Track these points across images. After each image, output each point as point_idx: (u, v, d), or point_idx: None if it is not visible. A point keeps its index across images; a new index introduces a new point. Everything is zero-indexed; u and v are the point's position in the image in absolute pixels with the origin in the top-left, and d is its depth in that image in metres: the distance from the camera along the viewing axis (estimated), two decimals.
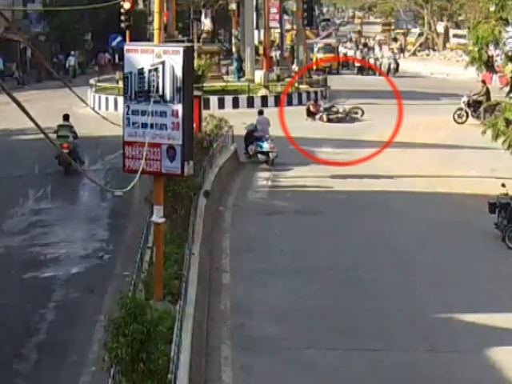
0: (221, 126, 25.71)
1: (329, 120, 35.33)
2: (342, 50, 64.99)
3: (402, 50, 66.74)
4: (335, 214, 21.80)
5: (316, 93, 41.53)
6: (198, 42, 42.36)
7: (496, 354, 13.74)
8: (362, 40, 76.02)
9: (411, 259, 18.33)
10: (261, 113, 28.89)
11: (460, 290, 16.59)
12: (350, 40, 78.02)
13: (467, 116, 34.33)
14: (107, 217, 21.66)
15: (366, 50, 65.18)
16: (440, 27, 73.90)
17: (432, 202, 22.93)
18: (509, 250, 18.89)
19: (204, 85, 35.61)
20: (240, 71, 44.97)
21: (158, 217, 12.85)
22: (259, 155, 27.25)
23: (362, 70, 57.25)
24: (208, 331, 14.39)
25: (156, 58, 12.17)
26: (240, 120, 29.09)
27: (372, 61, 58.62)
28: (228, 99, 37.62)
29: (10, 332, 14.49)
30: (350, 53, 63.70)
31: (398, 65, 57.77)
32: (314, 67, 52.74)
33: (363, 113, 35.97)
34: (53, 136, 25.55)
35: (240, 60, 46.24)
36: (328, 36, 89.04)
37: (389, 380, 13.07)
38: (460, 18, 76.39)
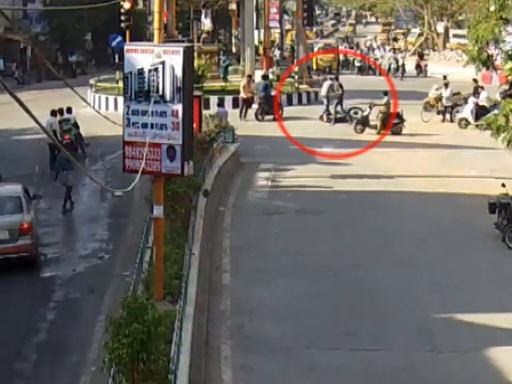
0: (221, 126, 25.76)
1: (329, 120, 35.35)
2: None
3: (404, 51, 66.63)
4: (335, 213, 21.80)
5: (316, 93, 41.46)
6: (198, 42, 42.32)
7: (496, 354, 13.75)
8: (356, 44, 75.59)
9: (411, 259, 18.33)
10: (220, 105, 30.71)
11: (460, 290, 16.59)
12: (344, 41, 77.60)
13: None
14: (107, 217, 21.66)
15: (365, 50, 65.12)
16: (440, 27, 73.80)
17: (432, 202, 22.93)
18: (509, 249, 18.90)
19: (204, 85, 35.62)
20: (227, 71, 44.48)
21: (157, 215, 12.89)
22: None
23: (362, 70, 57.20)
24: (208, 331, 14.39)
25: (156, 57, 12.18)
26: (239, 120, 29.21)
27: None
28: (228, 99, 37.56)
29: (10, 332, 14.50)
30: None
31: (398, 65, 57.70)
32: (314, 66, 52.69)
33: (363, 113, 35.98)
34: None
35: (229, 59, 46.13)
36: (331, 34, 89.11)
37: (389, 380, 13.08)
38: (460, 18, 76.28)
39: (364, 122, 32.82)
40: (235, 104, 37.79)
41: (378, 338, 14.40)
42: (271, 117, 35.13)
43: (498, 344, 14.13)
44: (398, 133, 32.12)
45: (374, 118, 32.59)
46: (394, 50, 62.68)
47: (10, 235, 17.34)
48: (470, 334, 14.57)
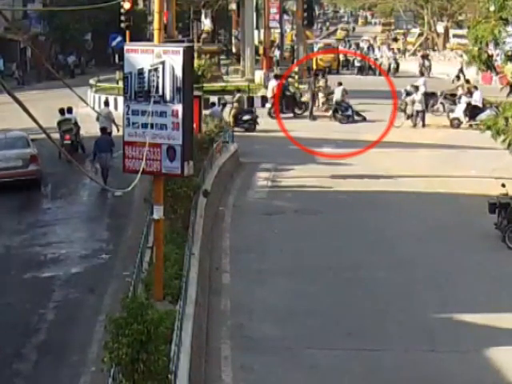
0: (221, 126, 25.77)
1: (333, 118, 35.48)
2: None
3: (404, 51, 66.64)
4: (335, 214, 21.80)
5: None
6: (198, 42, 42.35)
7: (496, 354, 13.75)
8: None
9: (411, 259, 18.33)
10: (214, 104, 30.90)
11: (460, 289, 16.59)
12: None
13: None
14: (107, 217, 21.66)
15: (365, 50, 65.12)
16: (440, 27, 73.81)
17: (432, 202, 22.92)
18: (509, 250, 18.90)
19: (204, 85, 35.63)
20: None
21: (157, 216, 12.87)
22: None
23: (361, 70, 57.21)
24: (208, 331, 14.39)
25: (156, 58, 12.17)
26: None
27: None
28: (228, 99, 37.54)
29: (9, 332, 14.50)
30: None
31: (398, 65, 57.73)
32: (314, 66, 52.70)
33: (364, 119, 36.14)
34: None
35: None
36: (332, 34, 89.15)
37: (389, 380, 13.08)
38: (460, 18, 76.31)
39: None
40: None
41: (378, 338, 14.40)
42: (289, 115, 35.78)
43: (498, 344, 14.12)
44: (251, 129, 32.58)
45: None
46: (393, 50, 62.70)
47: (23, 163, 23.40)
48: (470, 334, 14.57)
